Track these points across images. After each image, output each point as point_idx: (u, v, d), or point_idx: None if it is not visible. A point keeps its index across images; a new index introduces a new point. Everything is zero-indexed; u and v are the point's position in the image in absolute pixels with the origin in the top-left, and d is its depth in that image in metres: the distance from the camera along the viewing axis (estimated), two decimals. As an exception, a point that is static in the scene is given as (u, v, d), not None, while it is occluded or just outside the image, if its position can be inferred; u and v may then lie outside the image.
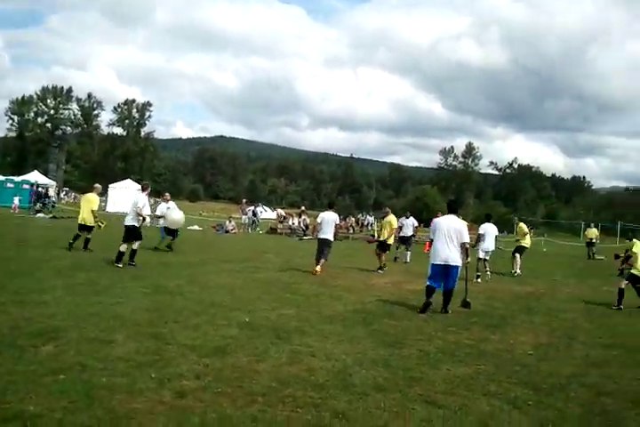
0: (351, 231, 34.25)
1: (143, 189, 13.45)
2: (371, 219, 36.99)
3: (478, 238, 14.46)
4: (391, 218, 15.94)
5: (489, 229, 14.95)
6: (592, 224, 30.91)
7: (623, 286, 11.10)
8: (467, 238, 9.08)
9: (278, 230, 31.62)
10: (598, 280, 16.31)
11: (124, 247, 11.88)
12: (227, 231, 28.81)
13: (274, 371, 5.13)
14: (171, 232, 16.01)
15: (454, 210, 9.69)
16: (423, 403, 4.61)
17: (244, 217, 30.77)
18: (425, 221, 34.92)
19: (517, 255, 16.33)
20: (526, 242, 16.74)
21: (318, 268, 12.96)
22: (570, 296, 12.16)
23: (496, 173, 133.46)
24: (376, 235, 19.94)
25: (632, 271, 11.43)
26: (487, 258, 14.86)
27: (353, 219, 38.46)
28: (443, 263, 8.93)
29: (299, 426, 3.93)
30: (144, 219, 12.98)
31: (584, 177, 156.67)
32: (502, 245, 29.01)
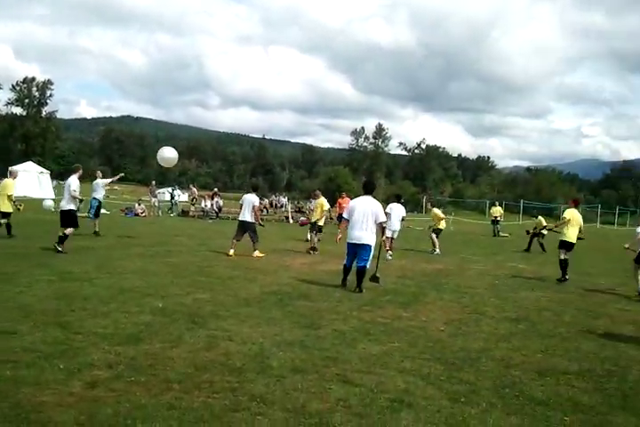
0: (265, 213, 34.16)
1: (74, 172, 12.85)
2: (284, 200, 37.00)
3: None
4: (322, 200, 16.13)
5: (395, 209, 15.30)
6: (496, 202, 32.14)
7: (562, 257, 11.85)
8: (382, 218, 9.33)
9: (190, 213, 31.07)
10: (503, 256, 17.09)
11: (69, 231, 11.85)
12: (136, 214, 28.02)
13: (189, 357, 5.04)
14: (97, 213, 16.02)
15: (370, 191, 9.85)
16: (340, 382, 4.65)
17: (153, 199, 29.97)
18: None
19: (434, 235, 16.92)
20: (442, 225, 17.51)
21: (231, 252, 12.92)
22: (478, 273, 12.63)
23: (405, 153, 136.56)
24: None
25: (561, 238, 12.11)
26: (394, 237, 15.19)
27: (266, 200, 38.35)
28: (355, 242, 9.25)
29: (215, 411, 3.88)
30: (81, 201, 12.74)
31: (488, 157, 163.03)
32: (412, 224, 29.84)
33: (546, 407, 4.40)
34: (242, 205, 13.75)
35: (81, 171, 13.04)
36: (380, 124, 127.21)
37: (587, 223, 41.67)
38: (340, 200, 22.34)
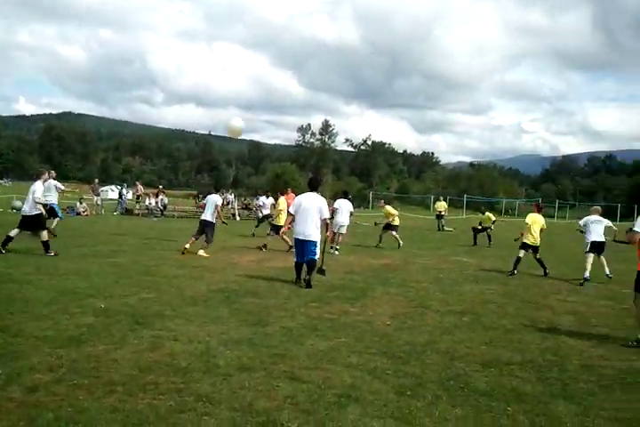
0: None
1: (39, 176, 12.41)
2: (231, 197, 36.66)
3: (332, 213, 14.93)
4: (281, 200, 16.20)
5: (343, 205, 15.70)
6: (441, 197, 32.62)
7: (521, 255, 12.40)
8: (327, 214, 9.58)
9: (135, 211, 30.50)
10: (448, 251, 17.36)
11: (44, 235, 11.60)
12: (78, 213, 27.29)
13: (133, 358, 4.94)
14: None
15: (315, 187, 9.96)
16: (287, 379, 4.64)
17: (95, 198, 29.25)
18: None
19: (393, 233, 17.51)
20: (397, 222, 17.96)
21: (187, 245, 12.97)
22: (423, 267, 12.80)
23: (352, 149, 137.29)
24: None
25: (524, 240, 12.66)
26: (342, 232, 15.45)
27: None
28: (301, 238, 9.51)
29: (161, 413, 3.82)
30: (45, 206, 12.37)
31: (433, 153, 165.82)
32: (359, 220, 30.04)
33: (489, 398, 4.49)
34: (205, 204, 13.98)
35: (47, 175, 12.74)
36: (326, 121, 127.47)
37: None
38: (284, 196, 22.50)
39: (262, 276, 10.14)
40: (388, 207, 18.14)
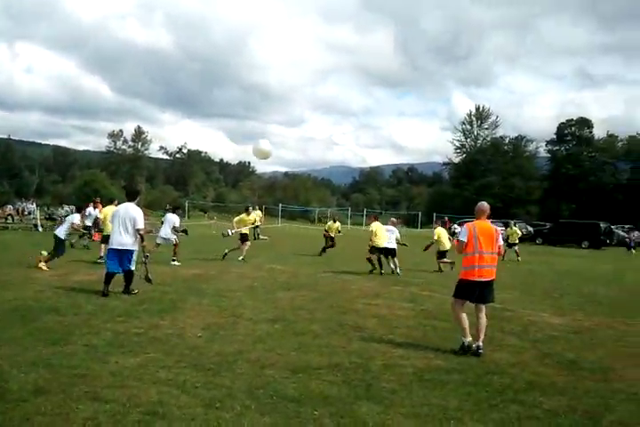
0: (10, 221, 31.22)
1: None
2: (32, 207, 34.03)
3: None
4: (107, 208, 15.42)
5: (168, 218, 16.10)
6: (256, 206, 32.93)
7: (373, 257, 14.87)
8: (140, 225, 9.61)
9: None
10: (262, 259, 17.51)
11: None
12: None
13: None
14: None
15: (132, 198, 10.08)
16: (89, 400, 4.38)
17: None
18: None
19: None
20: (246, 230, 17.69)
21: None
22: (237, 276, 12.79)
23: (167, 157, 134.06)
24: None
25: (373, 245, 14.83)
26: (166, 243, 15.44)
27: (10, 207, 35.04)
28: (117, 247, 9.56)
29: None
30: None
31: (249, 162, 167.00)
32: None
33: (298, 404, 4.57)
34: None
35: None
36: (139, 127, 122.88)
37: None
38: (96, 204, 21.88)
39: (65, 290, 9.52)
40: (243, 216, 17.73)
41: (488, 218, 6.98)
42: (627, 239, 36.71)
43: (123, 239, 9.53)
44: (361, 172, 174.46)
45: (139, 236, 9.63)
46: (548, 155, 76.86)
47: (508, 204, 73.25)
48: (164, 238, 15.51)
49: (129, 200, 9.96)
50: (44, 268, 12.17)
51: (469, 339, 6.53)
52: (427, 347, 6.76)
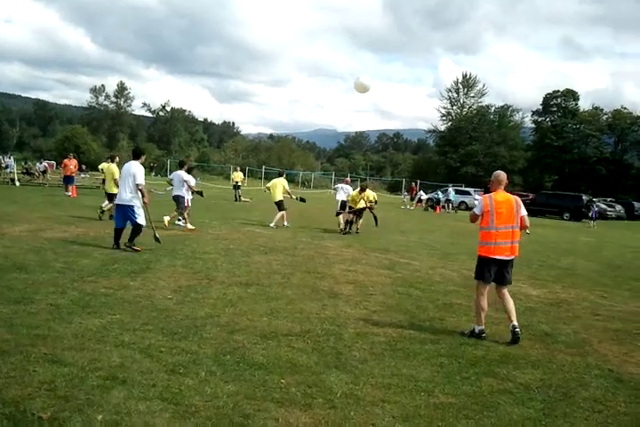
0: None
1: None
2: (10, 161, 33.29)
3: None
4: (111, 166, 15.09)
5: (183, 177, 15.20)
6: (238, 168, 32.60)
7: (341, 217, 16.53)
8: (139, 180, 10.00)
9: None
10: (241, 221, 17.30)
11: None
12: None
13: None
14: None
15: (137, 156, 10.45)
16: (47, 363, 4.21)
17: None
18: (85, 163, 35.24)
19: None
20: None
21: None
22: (214, 238, 12.59)
23: (149, 115, 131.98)
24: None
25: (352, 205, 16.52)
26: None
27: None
28: (118, 202, 10.26)
29: None
30: None
31: (233, 123, 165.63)
32: (156, 188, 28.98)
33: (265, 371, 4.44)
34: None
35: None
36: (122, 83, 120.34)
37: (321, 189, 44.22)
38: (65, 161, 24.30)
39: (34, 248, 9.26)
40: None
41: (505, 189, 6.24)
42: (589, 211, 36.28)
43: (122, 195, 10.06)
44: (346, 136, 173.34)
45: (139, 191, 10.02)
46: (534, 125, 76.88)
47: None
48: (181, 197, 14.68)
49: (134, 159, 10.37)
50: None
51: (482, 327, 5.92)
52: (401, 315, 6.66)
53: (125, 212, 10.03)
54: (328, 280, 8.55)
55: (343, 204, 17.13)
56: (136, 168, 10.12)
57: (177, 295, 6.73)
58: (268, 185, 17.46)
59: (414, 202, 38.61)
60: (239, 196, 29.38)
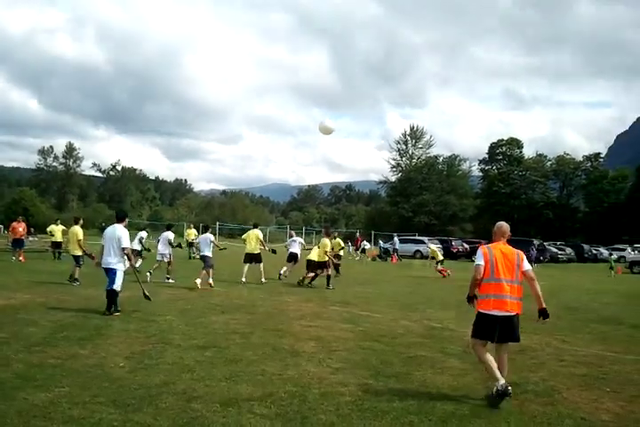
0: None
1: None
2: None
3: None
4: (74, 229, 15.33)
5: (164, 234, 17.12)
6: (191, 225, 32.26)
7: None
8: (124, 244, 10.03)
9: None
10: (195, 278, 16.86)
11: None
12: None
13: None
14: None
15: (121, 219, 10.57)
16: (-13, 447, 3.85)
17: None
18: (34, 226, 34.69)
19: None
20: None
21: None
22: (169, 298, 12.19)
23: (100, 175, 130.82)
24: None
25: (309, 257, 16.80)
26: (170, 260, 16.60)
27: None
28: (103, 266, 10.09)
29: None
30: None
31: (185, 180, 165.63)
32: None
33: (226, 442, 4.16)
34: None
35: None
36: (70, 143, 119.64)
37: (277, 243, 43.96)
38: (14, 224, 23.19)
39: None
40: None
41: (508, 241, 5.90)
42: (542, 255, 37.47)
43: (108, 259, 10.00)
44: (299, 189, 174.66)
45: (125, 255, 10.06)
46: (481, 173, 79.00)
47: (443, 221, 74.66)
48: (161, 254, 16.49)
49: (118, 222, 10.40)
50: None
51: (502, 382, 5.32)
52: (366, 372, 6.44)
53: (110, 274, 9.99)
54: (289, 338, 8.29)
55: (294, 256, 18.19)
56: (121, 232, 10.11)
57: (130, 362, 6.38)
58: (244, 237, 17.69)
59: (359, 252, 38.25)
60: (193, 253, 28.90)
